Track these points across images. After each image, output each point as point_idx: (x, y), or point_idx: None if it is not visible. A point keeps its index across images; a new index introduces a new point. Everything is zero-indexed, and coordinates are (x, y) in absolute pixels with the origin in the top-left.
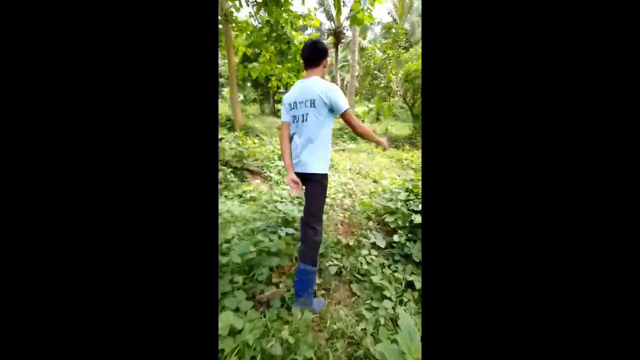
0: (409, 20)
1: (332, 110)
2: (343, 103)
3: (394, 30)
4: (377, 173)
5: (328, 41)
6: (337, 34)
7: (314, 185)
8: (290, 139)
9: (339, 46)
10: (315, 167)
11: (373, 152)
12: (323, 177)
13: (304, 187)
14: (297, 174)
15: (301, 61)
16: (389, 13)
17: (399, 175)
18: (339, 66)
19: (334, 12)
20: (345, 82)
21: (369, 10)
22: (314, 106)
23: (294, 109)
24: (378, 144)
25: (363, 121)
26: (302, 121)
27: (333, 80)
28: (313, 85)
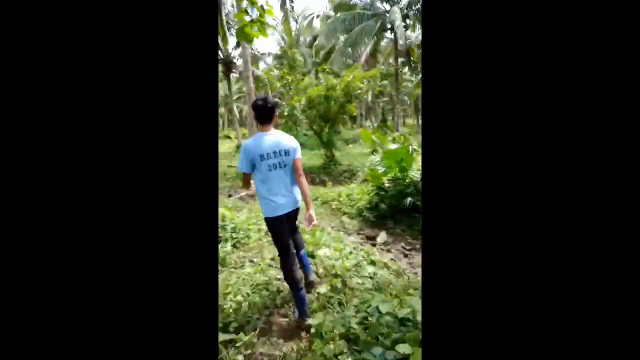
0: (299, 51)
1: None
2: (300, 153)
3: (288, 54)
4: (312, 240)
5: (220, 71)
6: (227, 64)
7: (297, 212)
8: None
9: (231, 76)
10: (299, 198)
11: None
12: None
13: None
14: (290, 212)
15: (254, 116)
16: (278, 44)
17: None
18: (234, 98)
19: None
20: (244, 113)
21: (259, 23)
22: (288, 154)
23: (265, 159)
24: (306, 205)
25: None
26: (276, 169)
27: (230, 112)
28: (282, 139)
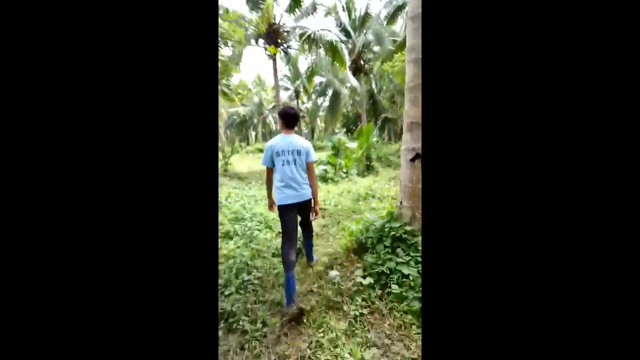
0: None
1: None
2: (314, 156)
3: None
4: None
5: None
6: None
7: (308, 207)
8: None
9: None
10: (309, 194)
11: None
12: (311, 200)
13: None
14: (292, 205)
15: (280, 122)
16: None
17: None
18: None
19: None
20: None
21: None
22: (300, 154)
23: (281, 155)
24: (314, 201)
25: None
26: (288, 164)
27: (264, 122)
28: (298, 140)
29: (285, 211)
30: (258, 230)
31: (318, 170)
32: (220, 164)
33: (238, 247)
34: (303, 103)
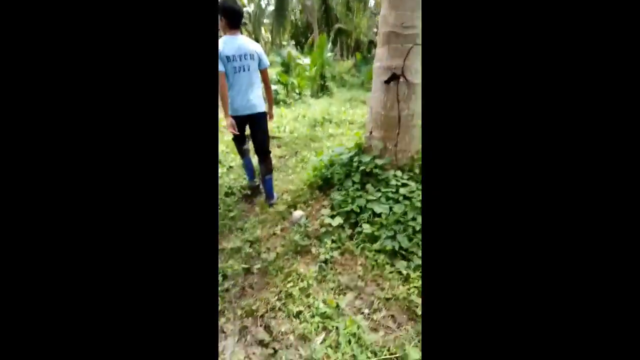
0: None
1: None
2: (266, 61)
3: None
4: None
5: None
6: None
7: (262, 122)
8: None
9: None
10: (261, 106)
11: None
12: (266, 115)
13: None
14: (243, 116)
15: (222, 20)
16: None
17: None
18: None
19: None
20: None
21: None
22: (253, 59)
23: (232, 61)
24: (270, 107)
25: None
26: (244, 71)
27: None
28: (247, 43)
29: (239, 122)
30: None
31: None
32: None
33: None
34: (244, 6)
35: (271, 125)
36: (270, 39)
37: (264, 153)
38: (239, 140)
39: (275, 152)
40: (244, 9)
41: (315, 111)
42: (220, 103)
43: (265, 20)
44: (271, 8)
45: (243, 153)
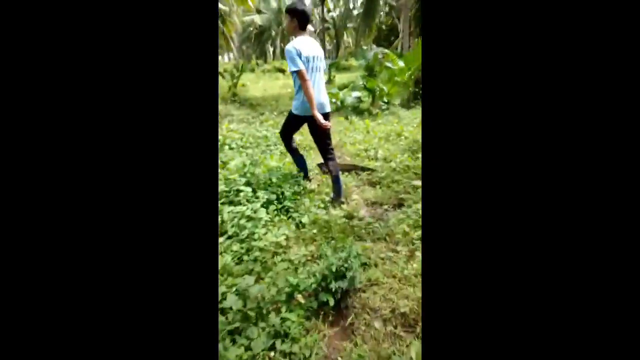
0: None
1: None
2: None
3: None
4: None
5: None
6: None
7: (328, 122)
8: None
9: None
10: (329, 106)
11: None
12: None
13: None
14: (309, 116)
15: (294, 22)
16: None
17: None
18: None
19: None
20: None
21: None
22: (321, 61)
23: (309, 61)
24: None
25: None
26: (317, 71)
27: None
28: (317, 45)
29: (299, 121)
30: (260, 222)
31: (350, 97)
32: (227, 85)
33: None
34: (329, 11)
35: (356, 146)
36: (350, 43)
37: (330, 148)
38: (289, 139)
39: (366, 194)
40: (330, 14)
41: (411, 127)
42: (305, 99)
43: (348, 25)
44: (355, 12)
45: (292, 151)
